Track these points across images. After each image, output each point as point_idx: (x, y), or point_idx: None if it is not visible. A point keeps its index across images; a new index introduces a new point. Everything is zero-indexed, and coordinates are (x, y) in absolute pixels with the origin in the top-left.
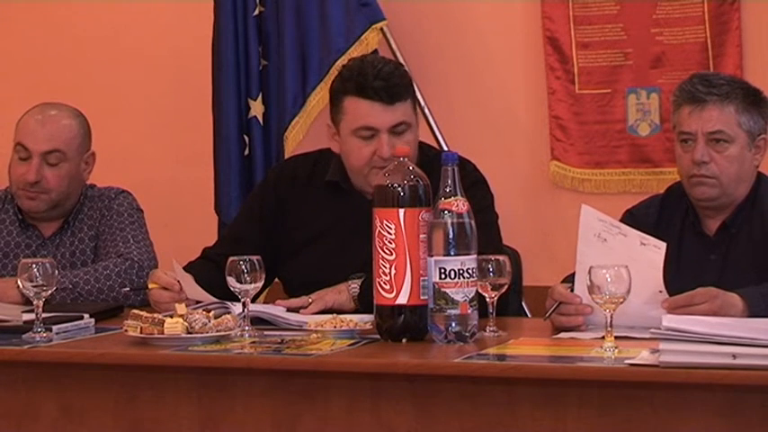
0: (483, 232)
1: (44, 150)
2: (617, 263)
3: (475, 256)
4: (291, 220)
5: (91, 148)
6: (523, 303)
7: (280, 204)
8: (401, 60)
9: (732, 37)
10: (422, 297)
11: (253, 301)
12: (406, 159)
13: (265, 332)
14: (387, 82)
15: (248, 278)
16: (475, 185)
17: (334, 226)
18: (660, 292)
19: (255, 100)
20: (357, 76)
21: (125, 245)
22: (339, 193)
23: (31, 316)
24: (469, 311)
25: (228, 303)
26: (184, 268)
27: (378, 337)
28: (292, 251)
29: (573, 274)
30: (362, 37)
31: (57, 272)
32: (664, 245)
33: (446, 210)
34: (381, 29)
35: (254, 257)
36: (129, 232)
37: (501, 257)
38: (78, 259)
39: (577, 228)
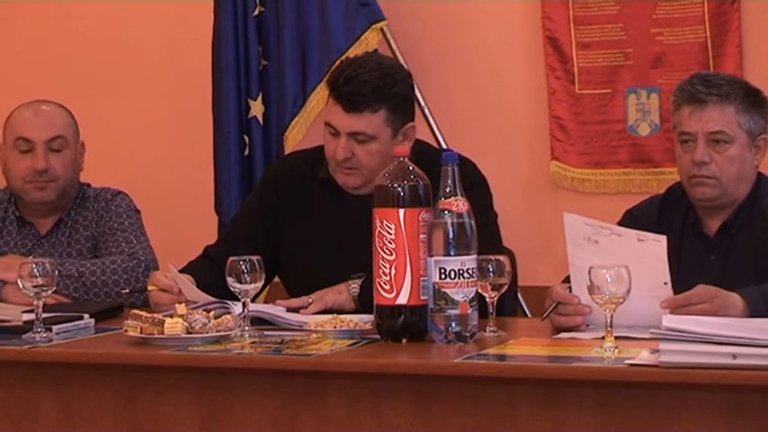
0: (482, 232)
1: (47, 138)
2: (615, 263)
3: (475, 256)
4: (290, 218)
5: (80, 138)
6: (521, 302)
7: (279, 202)
8: (401, 60)
9: (732, 37)
10: (422, 297)
11: (253, 300)
12: (406, 159)
13: (265, 332)
14: (354, 89)
15: (248, 278)
16: (475, 185)
17: (331, 224)
18: (665, 283)
19: (255, 100)
20: (336, 74)
21: (128, 245)
22: (333, 191)
23: (31, 316)
24: (469, 311)
25: (229, 303)
26: (186, 267)
27: (378, 337)
28: (291, 248)
29: None
30: (362, 37)
31: (56, 272)
32: (663, 237)
33: (446, 210)
34: (381, 29)
35: (254, 257)
36: (132, 233)
37: (501, 257)
38: (75, 258)
39: None
